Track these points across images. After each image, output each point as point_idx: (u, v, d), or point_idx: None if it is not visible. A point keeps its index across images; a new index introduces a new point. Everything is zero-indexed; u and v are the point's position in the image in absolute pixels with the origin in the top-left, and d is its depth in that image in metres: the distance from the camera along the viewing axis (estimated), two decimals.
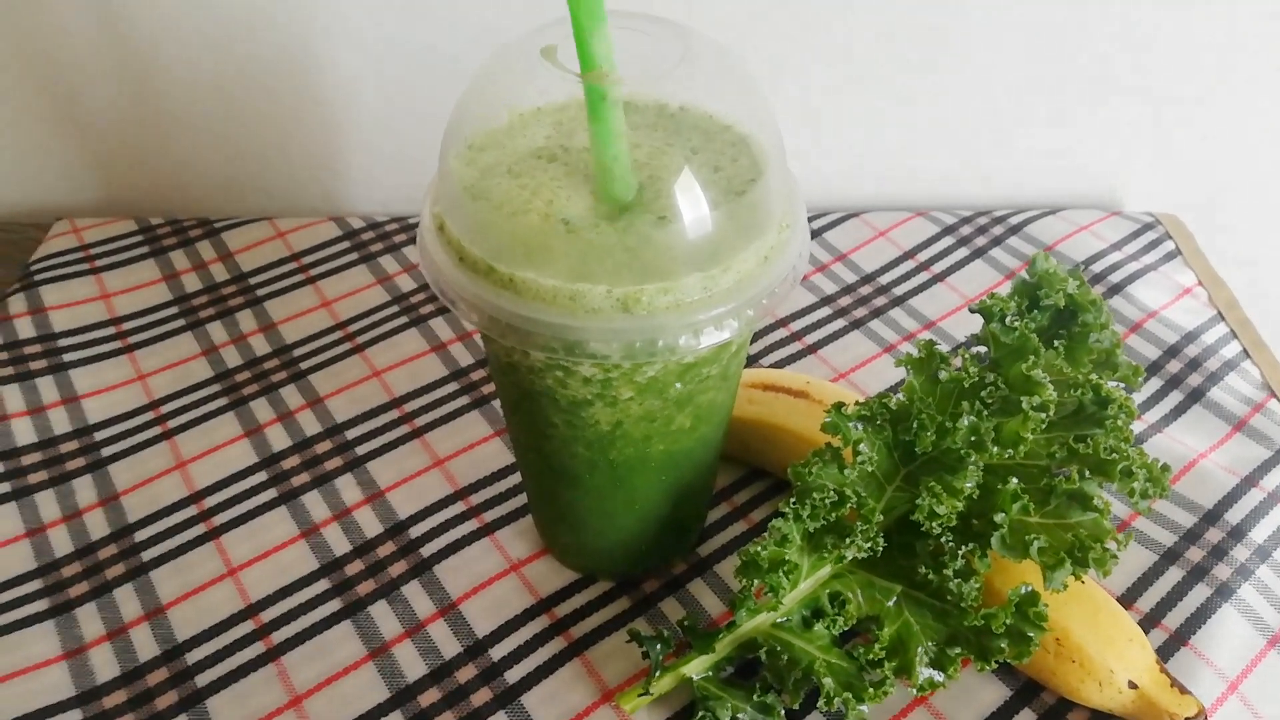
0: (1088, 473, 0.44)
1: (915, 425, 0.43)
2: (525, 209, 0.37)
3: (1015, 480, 0.44)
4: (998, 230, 0.73)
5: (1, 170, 0.75)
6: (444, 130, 0.40)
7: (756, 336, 0.65)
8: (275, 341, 0.64)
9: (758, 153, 0.40)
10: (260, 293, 0.67)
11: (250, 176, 0.75)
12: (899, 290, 0.68)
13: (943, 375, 0.45)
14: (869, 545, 0.43)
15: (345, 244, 0.71)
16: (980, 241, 0.72)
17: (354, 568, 0.52)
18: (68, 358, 0.63)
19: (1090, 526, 0.44)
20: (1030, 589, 0.43)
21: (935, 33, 0.69)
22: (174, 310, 0.66)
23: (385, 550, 0.52)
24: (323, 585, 0.51)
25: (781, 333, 0.65)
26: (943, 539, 0.44)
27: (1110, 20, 0.69)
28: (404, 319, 0.66)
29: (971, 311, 0.46)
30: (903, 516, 0.45)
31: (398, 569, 0.51)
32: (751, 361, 0.63)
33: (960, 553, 0.43)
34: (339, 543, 0.53)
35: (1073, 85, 0.73)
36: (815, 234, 0.73)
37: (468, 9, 0.67)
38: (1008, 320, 0.46)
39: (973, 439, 0.43)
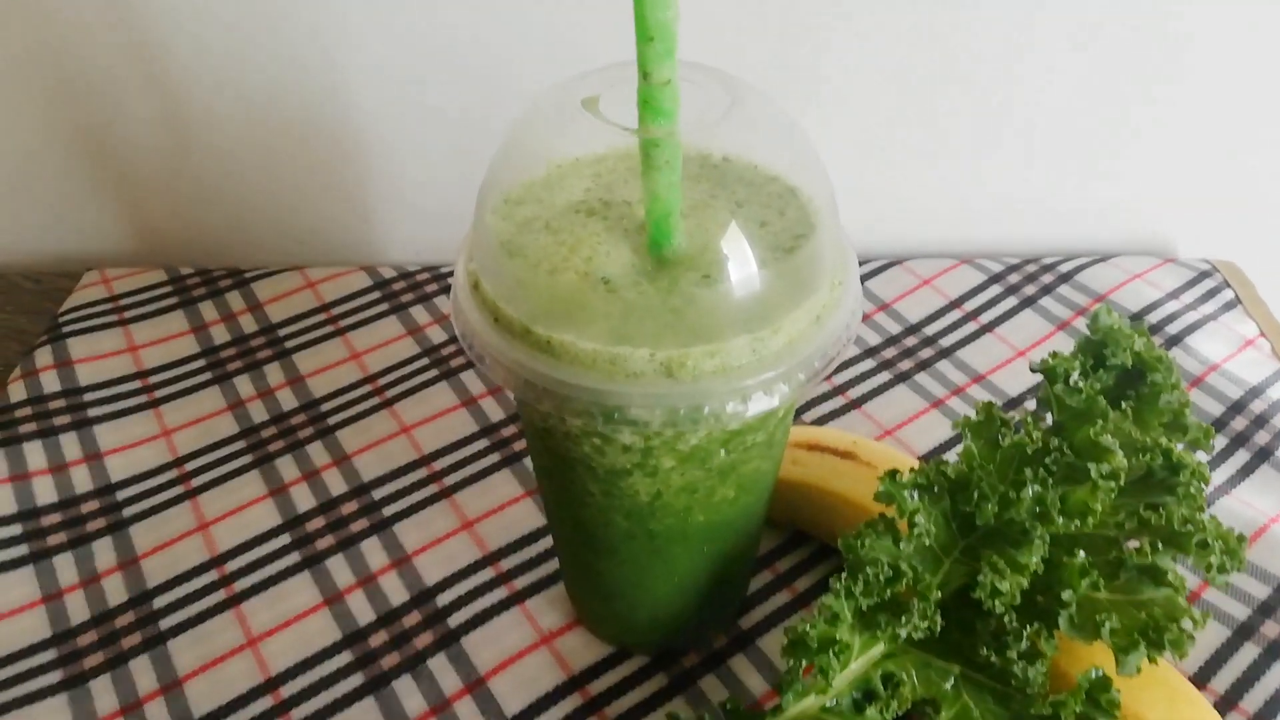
0: (1160, 545, 0.41)
1: (976, 495, 0.40)
2: (563, 266, 0.35)
3: (1083, 553, 0.41)
4: (1047, 278, 0.70)
5: (33, 220, 0.74)
6: (480, 183, 0.38)
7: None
8: (303, 396, 0.62)
9: (807, 204, 0.37)
10: (289, 344, 0.66)
11: (283, 225, 0.74)
12: (946, 341, 0.66)
13: (1004, 441, 0.42)
14: (926, 624, 0.40)
15: (376, 294, 0.70)
16: (1030, 290, 0.69)
17: (378, 639, 0.49)
18: (93, 413, 0.61)
19: (1164, 604, 0.41)
20: (1101, 673, 0.40)
21: (980, 76, 0.67)
22: (201, 363, 0.65)
23: (411, 620, 0.50)
24: (346, 658, 0.48)
25: (824, 387, 0.63)
26: (1005, 617, 0.41)
27: (1161, 62, 0.67)
28: (434, 372, 0.64)
29: (1033, 371, 0.44)
30: (961, 592, 0.42)
31: (424, 640, 0.49)
32: (793, 418, 0.60)
33: (1025, 633, 0.40)
34: (363, 611, 0.51)
35: (1123, 128, 0.70)
36: None
37: (506, 62, 0.66)
38: (1072, 381, 0.43)
39: (1038, 510, 0.40)
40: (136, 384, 0.63)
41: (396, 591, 0.51)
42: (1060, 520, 0.41)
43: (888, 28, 0.65)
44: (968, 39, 0.66)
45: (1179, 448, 0.43)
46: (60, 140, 0.70)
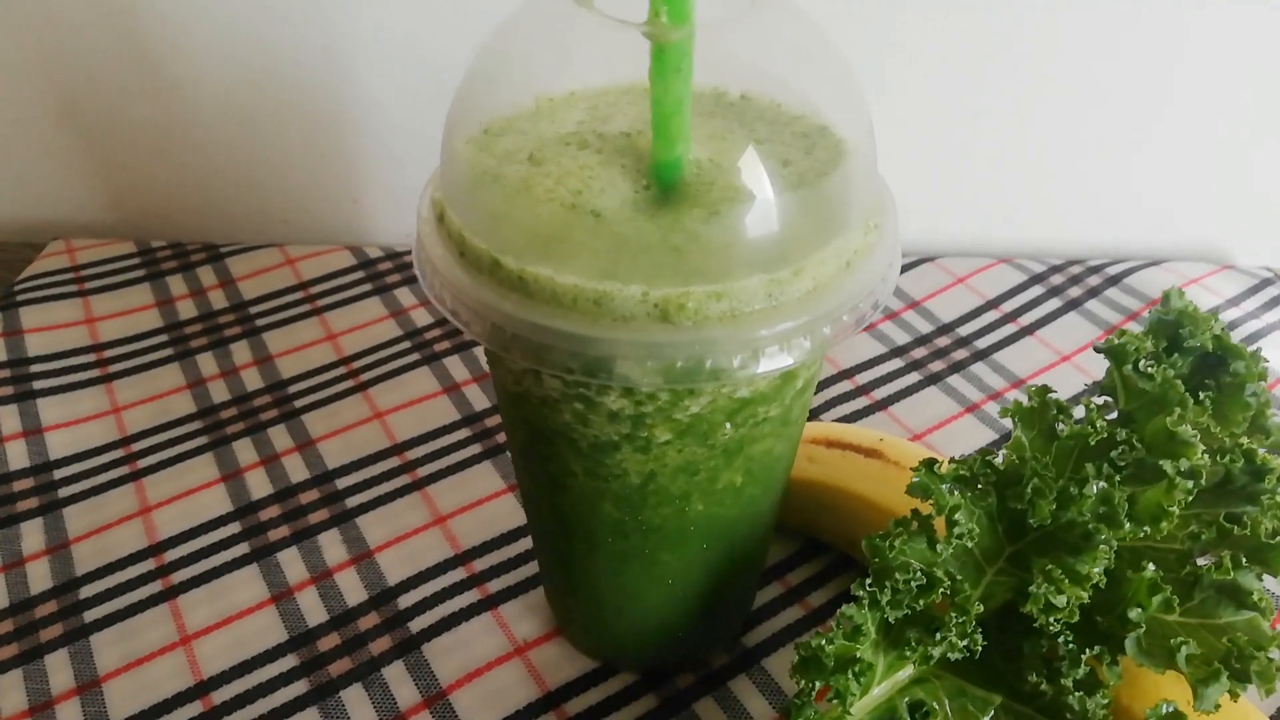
0: (1243, 560, 0.35)
1: (1029, 490, 0.34)
2: (546, 197, 0.29)
3: (1152, 566, 0.35)
4: (1094, 280, 0.64)
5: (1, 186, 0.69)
6: (450, 106, 0.32)
7: (816, 388, 0.56)
8: (270, 376, 0.57)
9: (838, 141, 0.32)
10: (260, 323, 0.60)
11: (267, 203, 0.69)
12: (982, 343, 0.59)
13: (1061, 429, 0.36)
14: (964, 643, 0.34)
15: (359, 274, 0.64)
16: (1075, 292, 0.63)
17: (328, 642, 0.43)
18: (38, 385, 0.56)
19: (1247, 629, 0.34)
20: (1174, 708, 0.33)
21: (1025, 66, 0.62)
22: (163, 338, 0.59)
23: (367, 622, 0.44)
24: (290, 662, 0.42)
25: (845, 385, 0.56)
26: (1060, 639, 0.34)
27: (1222, 62, 0.61)
28: (415, 355, 0.58)
29: (1097, 350, 0.37)
30: (1007, 607, 0.36)
31: (380, 646, 0.43)
32: (810, 417, 0.54)
33: (1083, 657, 0.34)
34: (314, 611, 0.44)
35: (1176, 128, 0.64)
36: None
37: None
38: (1142, 365, 0.37)
39: (1102, 510, 0.34)
40: (90, 357, 0.58)
41: (353, 590, 0.45)
42: (1128, 526, 0.34)
43: (932, 18, 0.60)
44: (1015, 28, 0.60)
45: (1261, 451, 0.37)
46: (32, 105, 0.65)
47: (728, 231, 0.28)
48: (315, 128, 0.65)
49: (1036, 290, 0.63)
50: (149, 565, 0.47)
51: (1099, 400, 0.37)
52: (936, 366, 0.58)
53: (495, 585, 0.46)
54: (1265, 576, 0.35)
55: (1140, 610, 0.34)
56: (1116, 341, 0.37)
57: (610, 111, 0.33)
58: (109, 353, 0.58)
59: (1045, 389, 0.36)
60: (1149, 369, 0.36)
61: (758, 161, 0.30)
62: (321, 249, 0.66)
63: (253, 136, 0.66)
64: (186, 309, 0.61)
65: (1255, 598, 0.34)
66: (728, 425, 0.32)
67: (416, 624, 0.44)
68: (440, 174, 0.33)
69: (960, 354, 0.59)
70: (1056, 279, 0.64)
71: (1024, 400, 0.37)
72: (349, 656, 0.42)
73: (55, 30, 0.62)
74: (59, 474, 0.51)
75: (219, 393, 0.56)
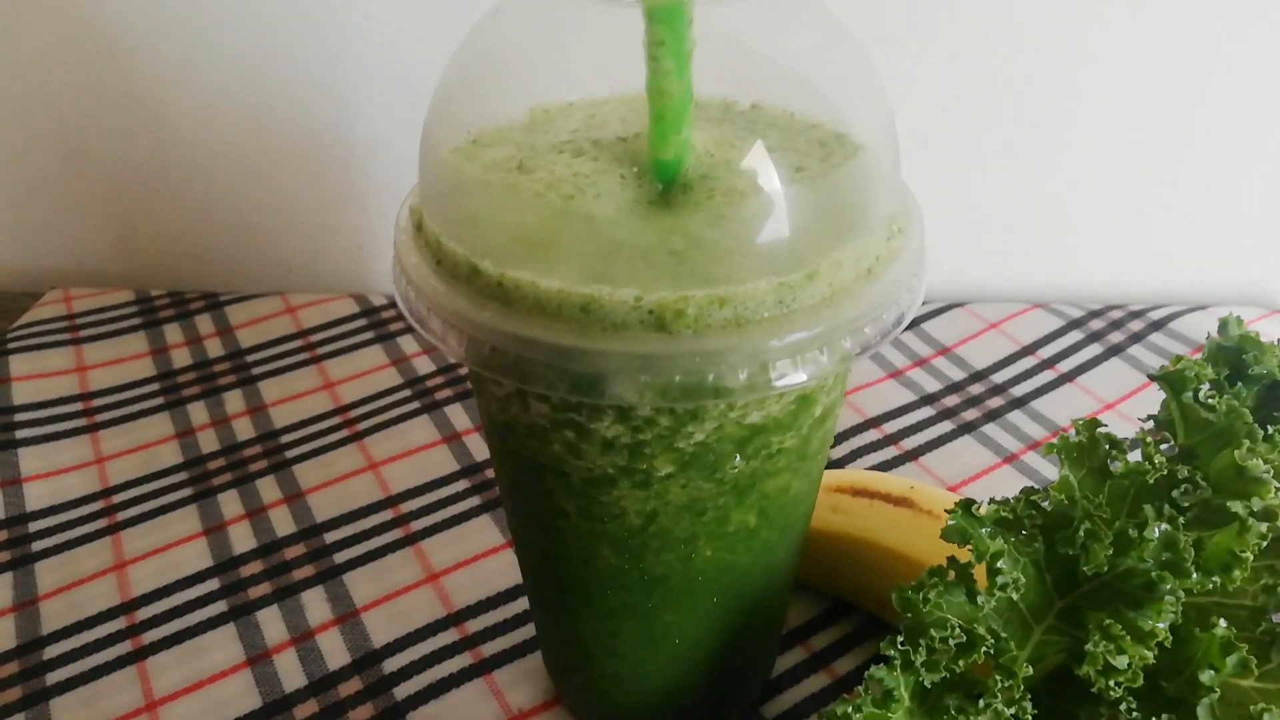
0: None
1: (1081, 534, 0.30)
2: (535, 201, 0.26)
3: (1223, 623, 0.30)
4: (1136, 326, 0.60)
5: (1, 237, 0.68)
6: (430, 106, 0.30)
7: (841, 437, 0.52)
8: (262, 425, 0.54)
9: (853, 139, 0.29)
10: (256, 371, 0.58)
11: (270, 252, 0.67)
12: (1018, 390, 0.56)
13: (1116, 467, 0.32)
14: (1011, 711, 0.30)
15: (362, 321, 0.62)
16: (1116, 338, 0.59)
17: (305, 709, 0.39)
18: (21, 434, 0.53)
19: None
20: None
21: (1058, 104, 0.59)
22: (154, 387, 0.57)
23: (349, 688, 0.40)
24: None
25: (873, 434, 0.53)
26: (1122, 706, 0.30)
27: (1262, 97, 0.58)
28: (415, 404, 0.55)
29: (1152, 379, 0.33)
30: (1059, 672, 0.32)
31: (361, 715, 0.39)
32: (834, 467, 0.50)
33: None
34: (292, 675, 0.41)
35: (1217, 167, 0.61)
36: (912, 324, 0.61)
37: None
38: (1203, 395, 0.33)
39: (1166, 557, 0.30)
40: (77, 406, 0.55)
41: (335, 652, 0.42)
42: (1195, 575, 0.30)
43: (960, 55, 0.57)
44: (1048, 66, 0.58)
45: None
46: (33, 152, 0.64)
47: (732, 228, 0.25)
48: (320, 172, 0.63)
49: (1075, 336, 0.60)
50: (119, 624, 0.43)
51: (1155, 434, 0.33)
52: (970, 415, 0.54)
53: (489, 649, 0.42)
54: None
55: (1213, 673, 0.30)
56: (1176, 368, 0.33)
57: (608, 119, 0.30)
58: (97, 401, 0.55)
59: (1095, 422, 0.33)
60: (1210, 399, 0.32)
61: (765, 156, 0.27)
62: (324, 297, 0.64)
63: (256, 183, 0.64)
64: (181, 357, 0.59)
65: None
66: (737, 457, 0.29)
67: (402, 690, 0.40)
68: (419, 179, 0.30)
69: (995, 402, 0.55)
70: (1096, 324, 0.60)
71: (1071, 436, 0.33)
72: None
73: (56, 77, 0.61)
74: (34, 526, 0.48)
75: (208, 443, 0.53)
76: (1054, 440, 0.33)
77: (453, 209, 0.28)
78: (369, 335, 0.60)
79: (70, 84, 0.61)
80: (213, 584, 0.45)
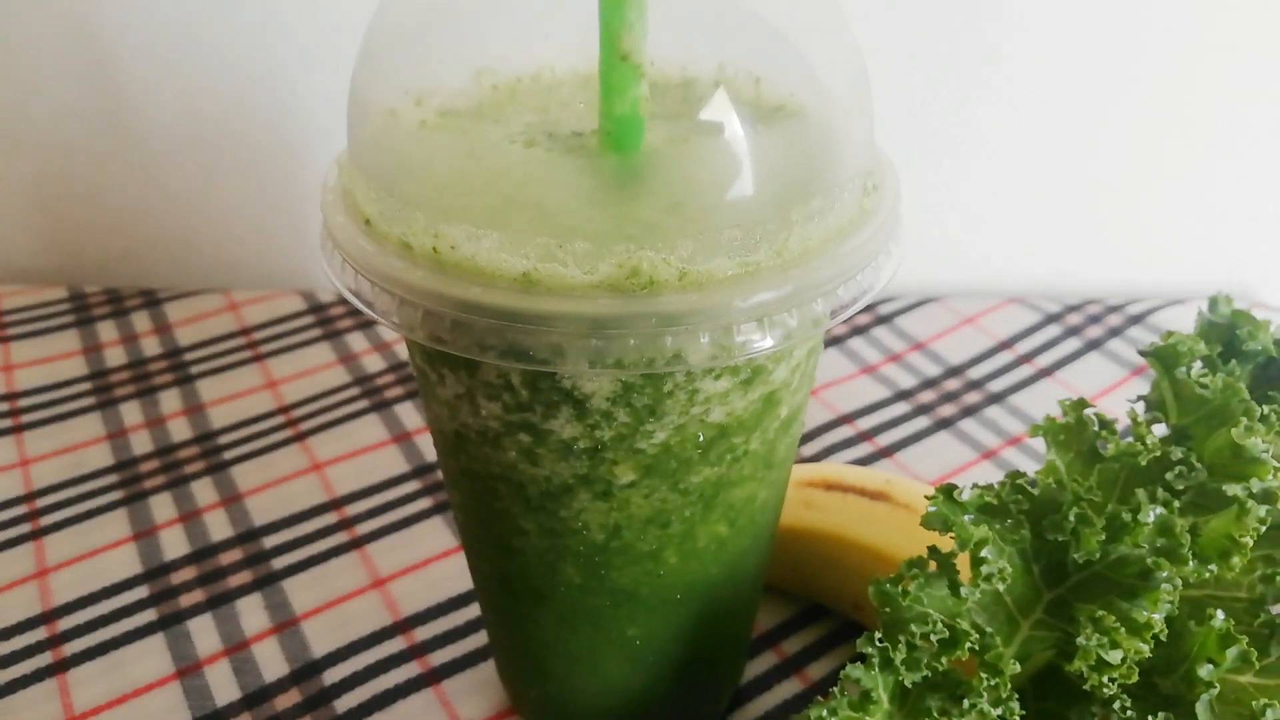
0: None
1: (1071, 519, 0.28)
2: (483, 188, 0.24)
3: (1221, 615, 0.28)
4: (1115, 320, 0.58)
5: None
6: (360, 54, 0.27)
7: (811, 435, 0.50)
8: (199, 426, 0.51)
9: (820, 92, 0.26)
10: (194, 370, 0.55)
11: (212, 248, 0.64)
12: (996, 386, 0.54)
13: (1106, 448, 0.29)
14: (998, 712, 0.27)
15: (309, 318, 0.59)
16: (1095, 332, 0.57)
17: None
18: None
19: None
20: None
21: (1034, 96, 0.57)
22: (86, 386, 0.53)
23: (285, 701, 0.37)
24: None
25: (846, 431, 0.50)
26: (1116, 704, 0.28)
27: (1237, 95, 0.57)
28: (364, 403, 0.52)
29: (1142, 355, 0.31)
30: (1049, 669, 0.29)
31: None
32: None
33: None
34: (224, 687, 0.38)
35: (1196, 161, 0.60)
36: (884, 319, 0.59)
37: None
38: (1195, 372, 0.31)
39: (1162, 543, 0.28)
40: (2, 406, 0.52)
41: (272, 662, 0.39)
42: (1192, 564, 0.28)
43: (935, 43, 0.56)
44: (1028, 61, 0.56)
45: None
46: None
47: (691, 216, 0.23)
48: (264, 165, 0.60)
49: (1053, 330, 0.58)
50: (39, 634, 0.40)
51: (1146, 414, 0.31)
52: (947, 411, 0.52)
53: (439, 658, 0.39)
54: None
55: (1212, 667, 0.28)
56: (1167, 343, 0.31)
57: (564, 114, 0.28)
58: (23, 402, 0.52)
59: (1082, 402, 0.31)
60: (1204, 377, 0.30)
61: (725, 97, 0.24)
62: (269, 293, 0.61)
63: (197, 175, 0.61)
64: (115, 356, 0.56)
65: None
66: (700, 463, 0.27)
67: (344, 702, 0.37)
68: (349, 137, 0.28)
69: (973, 398, 0.53)
70: (1074, 319, 0.59)
71: (1058, 417, 0.31)
72: None
73: None
74: None
75: (141, 444, 0.49)
76: (1040, 423, 0.31)
77: (382, 165, 0.25)
78: (316, 333, 0.58)
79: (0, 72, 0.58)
80: (141, 592, 0.42)
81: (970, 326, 0.58)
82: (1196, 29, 0.55)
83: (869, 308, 0.59)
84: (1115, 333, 0.57)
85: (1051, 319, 0.59)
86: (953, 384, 0.54)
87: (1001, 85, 0.57)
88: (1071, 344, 0.57)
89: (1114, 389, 0.53)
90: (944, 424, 0.51)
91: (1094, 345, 0.56)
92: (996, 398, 0.53)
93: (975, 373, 0.55)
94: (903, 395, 0.53)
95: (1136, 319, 0.58)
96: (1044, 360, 0.56)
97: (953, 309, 0.60)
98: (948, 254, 0.63)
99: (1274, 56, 0.56)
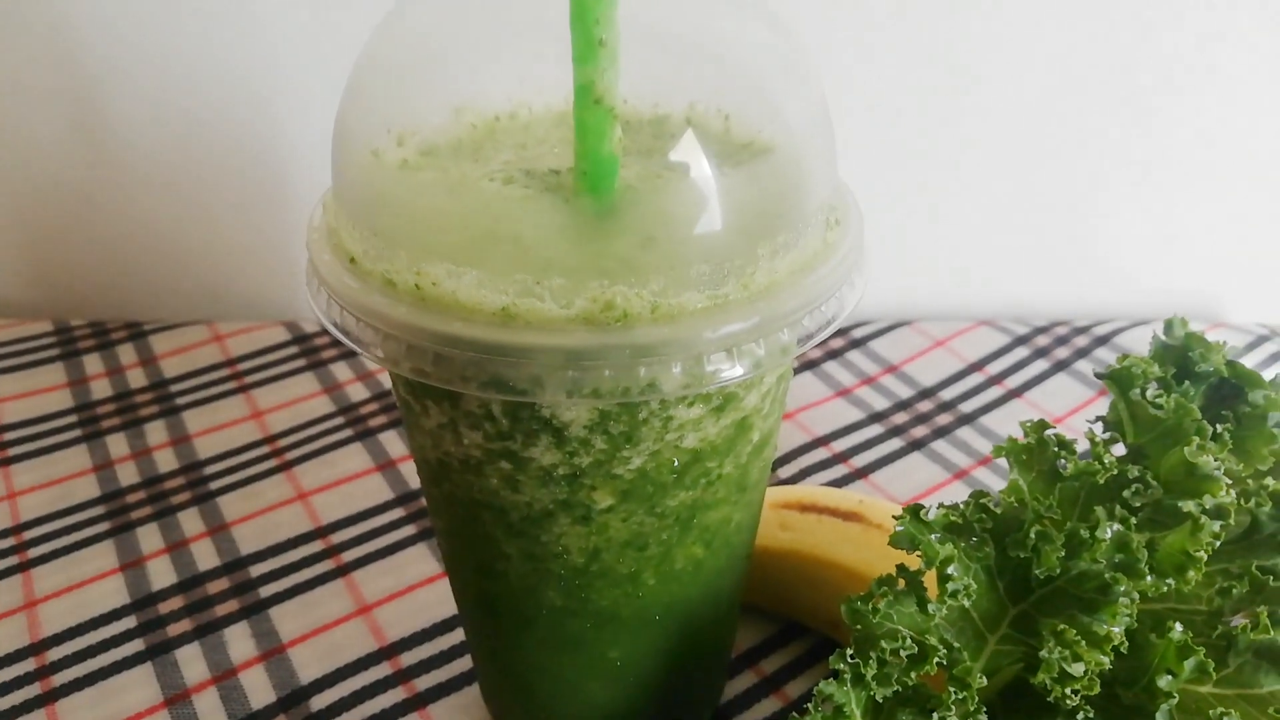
0: None
1: (1032, 536, 0.29)
2: (461, 224, 0.25)
3: (1179, 627, 0.29)
4: (1081, 341, 0.60)
5: None
6: (343, 96, 0.28)
7: (787, 457, 0.51)
8: (185, 457, 0.51)
9: (784, 132, 0.28)
10: (180, 401, 0.55)
11: (196, 279, 0.64)
12: (967, 407, 0.55)
13: (1065, 467, 0.31)
14: None
15: (293, 349, 0.59)
16: (1062, 353, 0.59)
17: None
18: None
19: None
20: None
21: (1000, 122, 0.59)
22: (71, 419, 0.54)
23: None
24: None
25: (821, 453, 0.52)
26: (1079, 715, 0.29)
27: (1201, 116, 0.59)
28: (348, 432, 0.53)
29: (1099, 378, 0.33)
30: (1016, 684, 0.30)
31: None
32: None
33: None
34: (212, 715, 0.38)
35: (1160, 184, 0.62)
36: (858, 343, 0.60)
37: None
38: (1150, 393, 0.32)
39: (1120, 558, 0.29)
40: None
41: (259, 690, 0.39)
42: (1150, 577, 0.29)
43: (903, 70, 0.57)
44: (993, 85, 0.58)
45: None
46: None
47: (663, 249, 0.24)
48: (249, 198, 0.61)
49: (1021, 352, 0.59)
50: (28, 665, 0.40)
51: (1104, 434, 0.33)
52: (920, 432, 0.53)
53: (424, 682, 0.40)
54: None
55: (1171, 678, 0.29)
56: (1122, 365, 0.32)
57: (541, 150, 0.29)
58: (9, 435, 0.53)
59: (1043, 423, 0.32)
60: (1158, 398, 0.32)
61: (695, 137, 0.25)
62: (253, 325, 0.61)
63: (181, 207, 0.62)
64: (100, 389, 0.56)
65: None
66: (676, 487, 0.28)
67: None
68: (334, 177, 0.29)
69: (944, 419, 0.54)
70: (1042, 340, 0.60)
71: (1020, 438, 0.32)
72: None
73: None
74: None
75: (127, 475, 0.50)
76: (1003, 443, 0.32)
77: (373, 216, 0.26)
78: (300, 363, 0.58)
79: None
80: (129, 622, 0.42)
81: (941, 349, 0.59)
82: (1159, 55, 0.57)
83: (843, 332, 0.61)
84: (1082, 354, 0.59)
85: (1020, 341, 0.60)
86: (925, 405, 0.55)
87: (970, 115, 0.59)
88: (1040, 365, 0.58)
89: (1081, 408, 0.55)
90: (916, 445, 0.52)
91: (1062, 366, 0.58)
92: (967, 419, 0.54)
93: (947, 394, 0.56)
94: (876, 417, 0.54)
95: (1103, 340, 0.60)
96: (1013, 381, 0.57)
97: (924, 332, 0.61)
98: (919, 278, 0.64)
99: (1235, 81, 0.58)
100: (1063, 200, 0.62)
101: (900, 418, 0.54)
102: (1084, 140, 0.60)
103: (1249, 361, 0.58)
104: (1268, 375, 0.56)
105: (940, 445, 0.52)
